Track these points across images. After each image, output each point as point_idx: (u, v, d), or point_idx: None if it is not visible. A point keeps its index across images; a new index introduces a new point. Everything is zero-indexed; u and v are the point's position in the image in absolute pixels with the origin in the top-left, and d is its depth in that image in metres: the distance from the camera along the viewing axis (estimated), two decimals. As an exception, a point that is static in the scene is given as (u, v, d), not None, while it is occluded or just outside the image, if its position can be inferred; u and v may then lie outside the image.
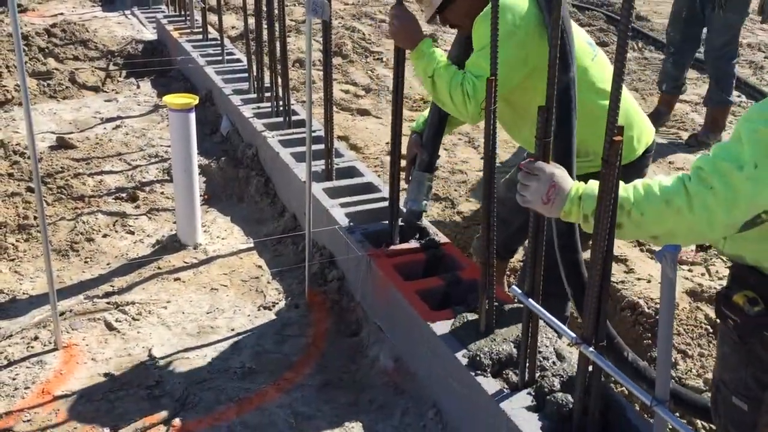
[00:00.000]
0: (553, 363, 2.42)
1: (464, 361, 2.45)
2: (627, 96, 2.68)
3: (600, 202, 1.78)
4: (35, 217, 3.88)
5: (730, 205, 1.65)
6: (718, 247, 1.91)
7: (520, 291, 2.23)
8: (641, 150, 2.78)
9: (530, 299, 2.19)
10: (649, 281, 3.71)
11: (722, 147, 1.71)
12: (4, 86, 5.63)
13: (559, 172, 1.93)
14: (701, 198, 1.67)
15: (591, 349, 1.96)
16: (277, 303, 3.36)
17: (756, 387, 1.91)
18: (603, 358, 1.95)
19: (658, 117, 5.74)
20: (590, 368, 2.03)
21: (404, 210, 3.22)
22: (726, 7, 5.20)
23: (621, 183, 1.81)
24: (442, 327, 2.63)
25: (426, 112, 3.12)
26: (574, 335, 2.03)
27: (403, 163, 3.24)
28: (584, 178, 1.99)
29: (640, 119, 2.81)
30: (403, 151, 3.21)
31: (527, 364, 2.31)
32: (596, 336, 1.96)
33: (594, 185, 1.87)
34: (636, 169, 2.76)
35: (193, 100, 3.64)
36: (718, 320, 1.93)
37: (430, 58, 2.68)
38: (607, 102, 2.60)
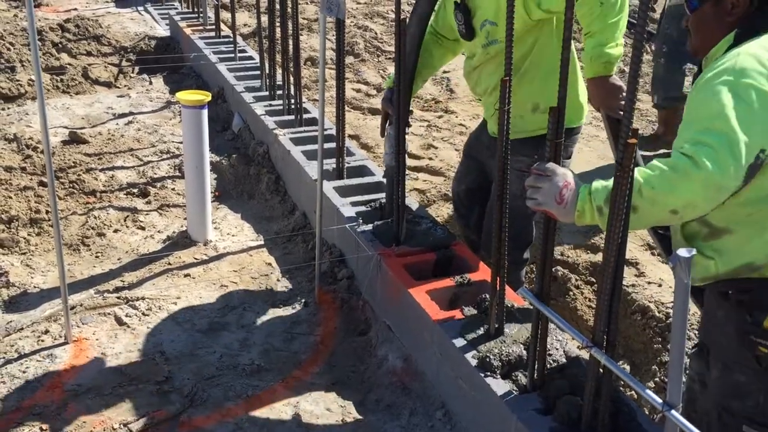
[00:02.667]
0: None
1: (474, 363, 2.45)
2: (577, 67, 2.96)
3: (613, 205, 1.77)
4: (47, 212, 3.89)
5: (730, 144, 1.69)
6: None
7: (530, 293, 2.22)
8: (586, 112, 3.04)
9: (541, 301, 2.18)
10: (660, 285, 3.69)
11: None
12: (18, 80, 5.66)
13: (571, 173, 1.92)
14: (702, 153, 1.70)
15: (602, 352, 1.95)
16: (287, 301, 3.36)
17: None
18: (613, 361, 1.94)
19: (656, 139, 4.98)
20: (600, 371, 2.02)
21: (384, 166, 3.28)
22: None
23: None
24: (451, 328, 2.63)
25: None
26: (584, 338, 2.02)
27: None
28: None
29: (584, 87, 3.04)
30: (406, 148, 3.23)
31: (537, 367, 2.30)
32: (607, 339, 1.95)
33: (598, 181, 1.88)
34: (578, 131, 3.03)
35: (205, 96, 3.65)
36: (751, 352, 1.91)
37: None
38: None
